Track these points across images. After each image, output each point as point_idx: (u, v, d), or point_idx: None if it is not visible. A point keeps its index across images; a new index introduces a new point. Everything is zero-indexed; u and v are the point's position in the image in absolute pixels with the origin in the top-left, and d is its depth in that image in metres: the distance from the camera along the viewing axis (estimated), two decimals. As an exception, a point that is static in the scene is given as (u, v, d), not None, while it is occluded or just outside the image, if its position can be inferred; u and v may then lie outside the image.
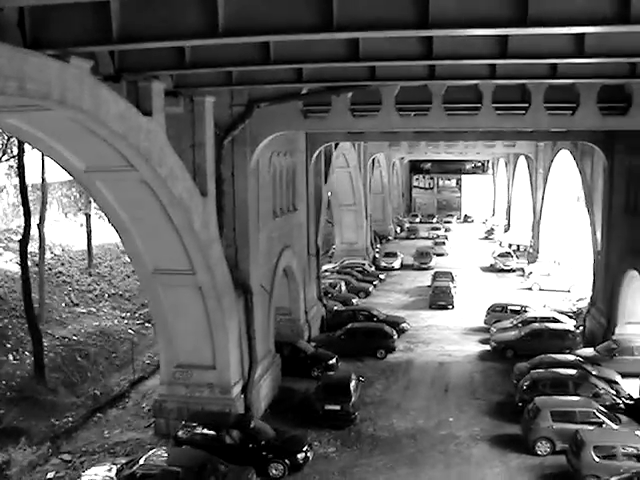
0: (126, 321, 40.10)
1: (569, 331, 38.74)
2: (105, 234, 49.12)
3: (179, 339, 27.12)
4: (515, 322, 41.10)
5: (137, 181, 21.35)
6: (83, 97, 16.62)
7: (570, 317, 44.04)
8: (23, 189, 30.57)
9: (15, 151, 33.28)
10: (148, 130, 20.04)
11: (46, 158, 37.43)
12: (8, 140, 32.32)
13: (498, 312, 44.56)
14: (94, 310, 39.91)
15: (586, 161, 43.52)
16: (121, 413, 30.35)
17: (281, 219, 33.68)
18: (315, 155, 40.80)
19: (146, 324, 40.52)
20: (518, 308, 44.88)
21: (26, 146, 30.71)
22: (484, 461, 25.79)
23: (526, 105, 26.51)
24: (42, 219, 36.20)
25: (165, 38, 15.51)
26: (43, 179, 36.98)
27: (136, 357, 35.47)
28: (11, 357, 31.68)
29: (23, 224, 31.06)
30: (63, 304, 38.94)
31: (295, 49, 18.54)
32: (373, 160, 72.64)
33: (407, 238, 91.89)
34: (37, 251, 37.70)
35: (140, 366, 35.05)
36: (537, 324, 39.21)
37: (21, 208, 43.88)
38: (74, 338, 35.33)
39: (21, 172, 30.24)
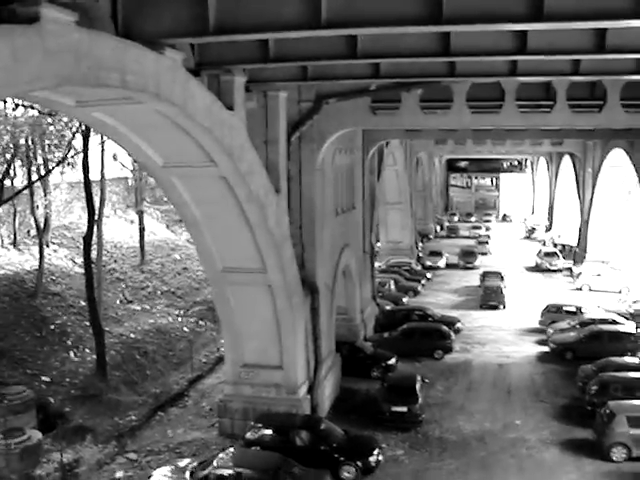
0: (180, 319, 39.94)
1: (630, 333, 37.88)
2: (156, 231, 49.25)
3: (246, 338, 26.79)
4: (573, 323, 40.33)
5: (215, 177, 21.04)
6: (175, 90, 16.32)
7: (627, 319, 43.11)
8: (87, 186, 30.40)
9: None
10: (231, 125, 19.73)
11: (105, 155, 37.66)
12: (73, 136, 32.18)
13: (553, 313, 43.80)
14: (148, 307, 39.79)
15: (644, 159, 42.65)
16: (182, 412, 30.12)
17: (342, 217, 33.28)
18: (371, 153, 40.32)
19: (199, 322, 40.34)
20: (573, 309, 44.11)
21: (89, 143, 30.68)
22: (557, 466, 25.11)
23: (600, 102, 25.94)
24: (100, 216, 36.08)
25: (263, 29, 15.09)
26: (102, 176, 36.91)
27: (192, 355, 35.20)
28: (72, 354, 31.58)
29: (87, 221, 30.88)
30: (117, 301, 38.88)
31: (384, 43, 18.12)
32: (417, 159, 72.02)
33: (447, 237, 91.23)
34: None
35: (197, 364, 34.77)
36: (597, 326, 38.40)
37: (73, 205, 44.38)
38: (131, 336, 35.24)
39: (86, 169, 30.06)
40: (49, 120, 32.06)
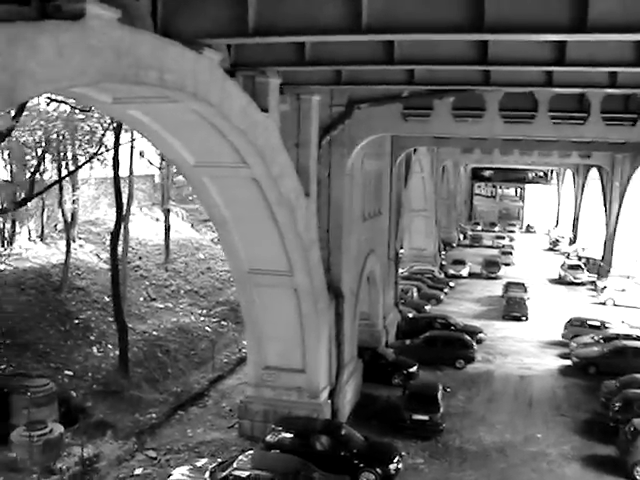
0: (202, 318, 40.02)
1: (655, 350, 37.50)
2: (181, 230, 49.42)
3: (269, 341, 26.78)
4: (597, 338, 39.97)
5: (247, 179, 21.05)
6: (212, 90, 16.35)
7: (651, 335, 42.62)
8: (117, 183, 30.54)
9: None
10: (265, 127, 19.75)
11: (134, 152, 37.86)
12: (104, 133, 32.38)
13: (577, 327, 43.40)
14: (171, 306, 39.91)
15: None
16: (202, 412, 30.13)
17: (368, 223, 33.21)
18: (399, 160, 40.22)
19: (222, 322, 40.40)
20: (597, 324, 43.74)
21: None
22: (579, 482, 24.95)
23: (634, 116, 25.71)
24: (127, 213, 36.21)
25: (302, 32, 15.05)
26: (131, 172, 37.09)
27: (214, 355, 35.24)
28: (95, 350, 31.73)
29: (114, 217, 31.00)
30: (141, 298, 39.03)
31: (421, 50, 18.05)
32: (443, 167, 71.80)
33: (471, 246, 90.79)
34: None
35: (218, 365, 34.81)
36: (621, 341, 38.02)
37: (100, 200, 44.67)
38: (154, 333, 35.35)
39: (116, 165, 30.19)
40: (81, 116, 32.26)
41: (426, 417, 27.87)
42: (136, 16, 14.52)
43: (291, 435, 24.55)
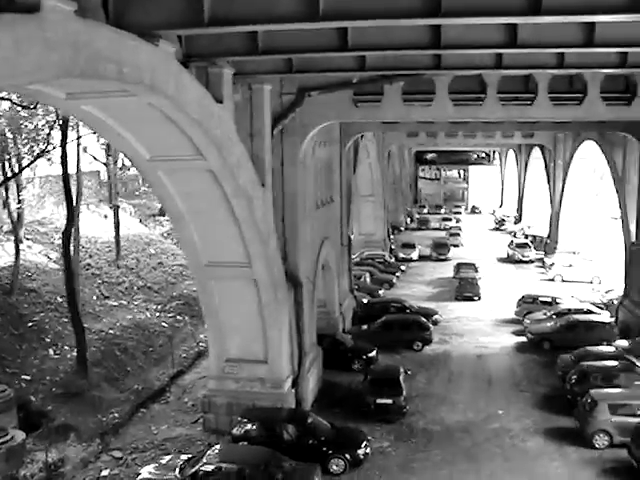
0: (158, 314, 39.54)
1: (605, 323, 38.41)
2: (129, 225, 48.71)
3: (230, 333, 26.64)
4: (549, 314, 40.73)
5: (202, 171, 20.82)
6: (169, 82, 16.12)
7: (601, 308, 43.60)
8: (66, 181, 29.85)
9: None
10: (220, 118, 19.55)
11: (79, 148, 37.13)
12: (51, 130, 31.59)
13: (529, 303, 44.25)
14: (125, 303, 39.33)
15: (617, 152, 43.03)
16: (164, 408, 29.85)
17: (322, 210, 33.24)
18: (348, 146, 40.28)
19: (177, 317, 40.01)
20: (549, 300, 44.61)
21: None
22: (542, 454, 25.44)
23: (580, 96, 26.17)
24: (77, 211, 35.45)
25: (259, 21, 14.92)
26: (78, 170, 36.35)
27: (172, 351, 34.91)
28: (51, 352, 31.11)
29: (65, 216, 30.30)
30: (94, 297, 38.36)
31: (374, 36, 18.05)
32: (389, 151, 72.14)
33: (418, 229, 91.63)
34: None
35: (177, 360, 34.50)
36: (573, 316, 38.81)
37: (46, 200, 43.74)
38: (110, 332, 34.79)
39: (64, 163, 29.50)
40: (24, 114, 31.48)
41: (390, 401, 28.06)
42: (87, 8, 14.08)
43: (257, 426, 24.48)
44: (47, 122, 31.56)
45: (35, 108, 30.64)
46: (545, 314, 41.11)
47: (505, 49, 18.20)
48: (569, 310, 40.77)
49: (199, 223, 23.36)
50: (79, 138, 35.68)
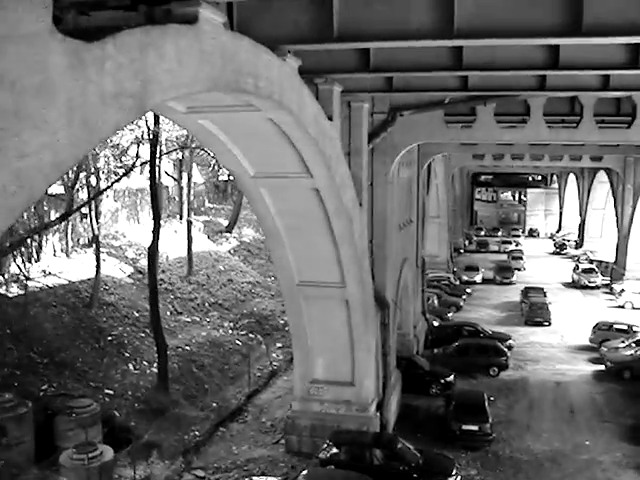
0: (231, 331, 39.39)
1: (688, 352, 37.25)
2: (198, 241, 48.75)
3: (316, 354, 26.27)
4: (628, 342, 39.62)
5: (307, 189, 20.56)
6: (293, 97, 15.88)
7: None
8: (154, 196, 29.88)
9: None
10: (331, 136, 19.27)
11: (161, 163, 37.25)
12: (139, 145, 31.76)
13: (604, 330, 43.06)
14: (198, 319, 39.30)
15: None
16: (243, 427, 29.51)
17: (403, 231, 32.80)
18: (425, 166, 39.89)
19: (250, 335, 39.79)
20: (625, 327, 43.41)
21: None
22: (638, 490, 24.57)
23: (629, 119, 25.57)
24: (159, 227, 35.50)
25: (391, 38, 14.59)
26: (158, 185, 36.46)
27: (249, 369, 34.63)
28: (131, 367, 31.07)
29: (152, 230, 30.24)
30: (168, 312, 38.38)
31: (486, 55, 17.72)
32: (453, 174, 71.48)
33: (477, 251, 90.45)
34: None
35: (252, 379, 34.22)
36: (655, 344, 37.75)
37: (119, 214, 44.06)
38: (187, 348, 34.73)
39: (153, 176, 29.54)
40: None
41: (476, 427, 27.46)
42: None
43: (345, 450, 24.02)
44: (136, 138, 31.70)
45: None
46: (623, 342, 39.98)
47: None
48: (649, 338, 39.63)
49: (295, 241, 23.07)
50: (165, 154, 35.78)
